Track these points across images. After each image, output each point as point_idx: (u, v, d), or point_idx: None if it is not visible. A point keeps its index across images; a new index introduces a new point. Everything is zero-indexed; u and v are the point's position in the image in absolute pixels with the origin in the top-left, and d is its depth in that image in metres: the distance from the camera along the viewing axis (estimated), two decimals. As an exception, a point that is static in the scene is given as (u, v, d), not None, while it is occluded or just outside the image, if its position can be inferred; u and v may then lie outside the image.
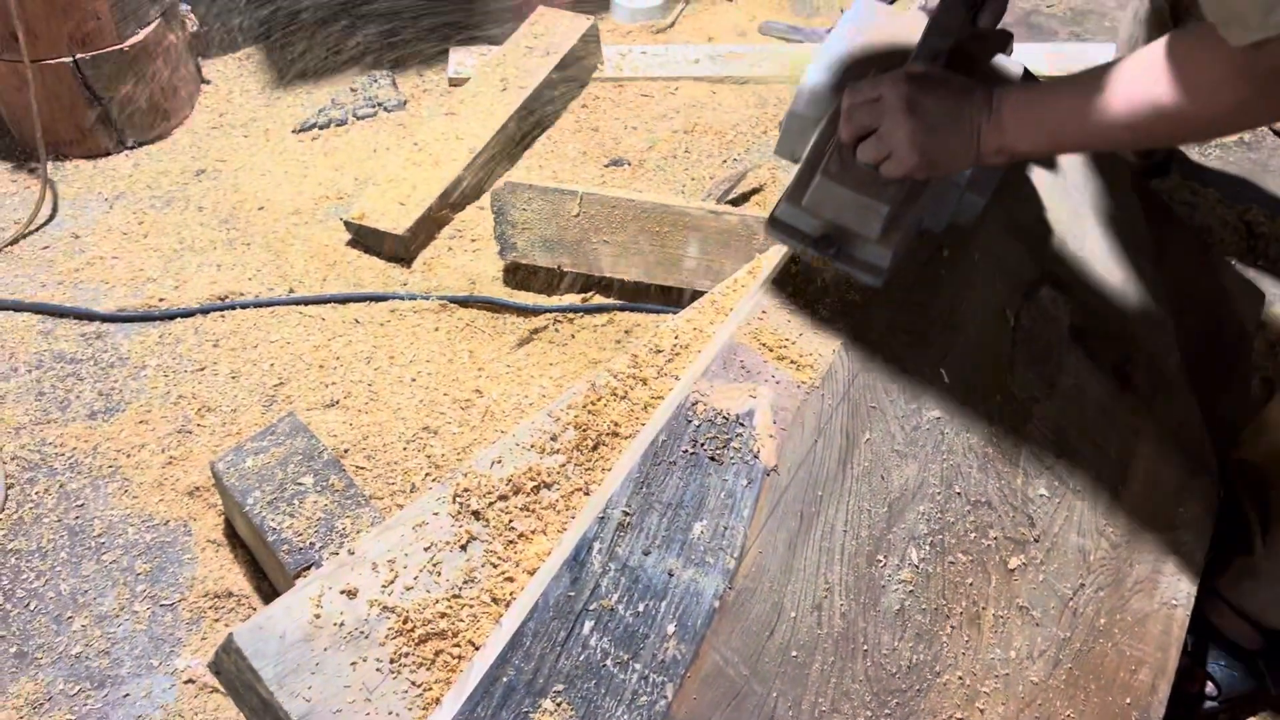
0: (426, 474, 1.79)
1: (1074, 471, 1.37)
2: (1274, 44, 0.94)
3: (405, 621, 1.07)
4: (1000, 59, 1.37)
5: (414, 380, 1.95)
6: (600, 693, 0.99)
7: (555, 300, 2.12)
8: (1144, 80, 1.06)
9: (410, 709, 1.02)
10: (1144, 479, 1.42)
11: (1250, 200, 2.36)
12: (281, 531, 1.51)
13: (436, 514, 1.15)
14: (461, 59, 2.70)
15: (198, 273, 2.16)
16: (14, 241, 2.22)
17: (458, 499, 1.16)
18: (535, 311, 2.08)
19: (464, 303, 2.09)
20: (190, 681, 1.55)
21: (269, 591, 1.64)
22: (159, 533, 1.72)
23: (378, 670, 1.04)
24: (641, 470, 1.11)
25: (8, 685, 1.54)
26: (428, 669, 1.05)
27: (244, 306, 2.08)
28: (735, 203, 2.28)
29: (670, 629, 1.03)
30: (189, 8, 2.61)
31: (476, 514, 1.16)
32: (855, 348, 1.27)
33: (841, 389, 1.24)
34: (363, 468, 1.79)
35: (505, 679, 0.98)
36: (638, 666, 1.01)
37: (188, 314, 2.06)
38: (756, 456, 1.15)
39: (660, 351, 1.35)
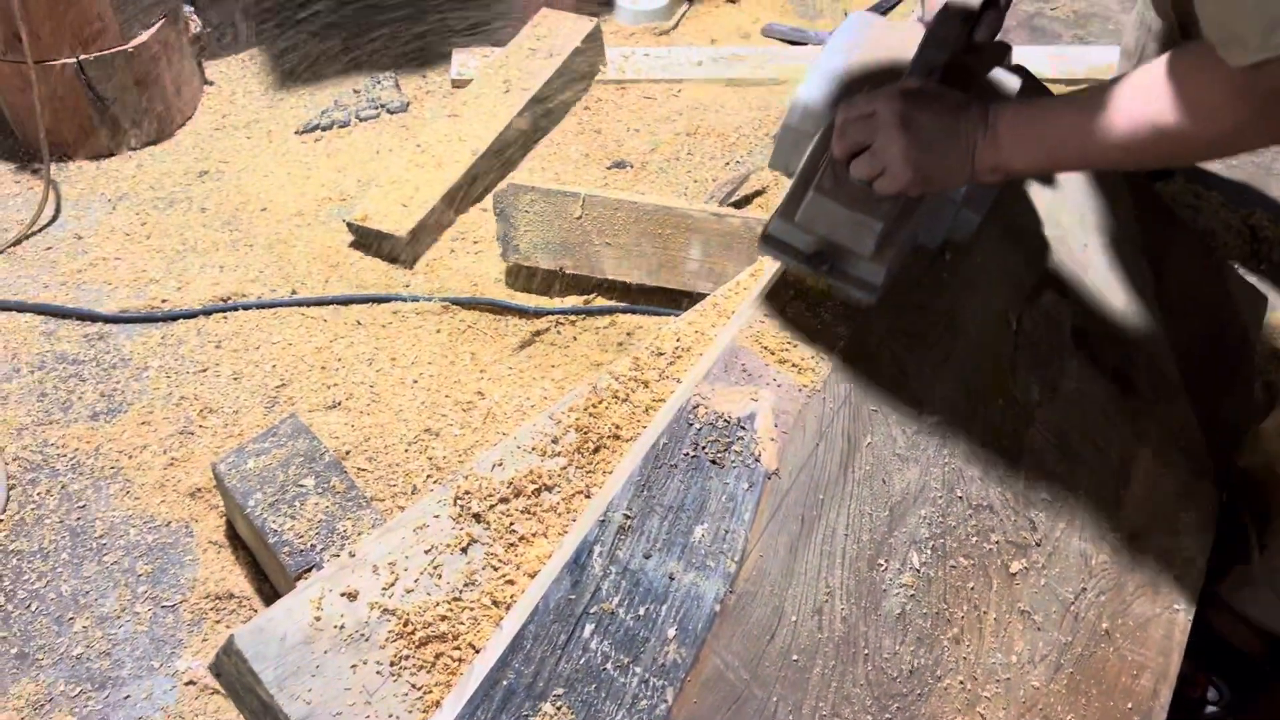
0: (428, 476, 1.79)
1: (1076, 475, 1.36)
2: (1274, 65, 0.94)
3: (406, 624, 1.07)
4: (998, 73, 1.35)
5: (416, 382, 1.95)
6: (600, 696, 0.99)
7: (557, 302, 2.12)
8: (1143, 100, 1.05)
9: (410, 712, 1.02)
10: (1146, 483, 1.42)
11: (1254, 204, 2.36)
12: (283, 533, 1.51)
13: (437, 516, 1.15)
14: (464, 60, 2.71)
15: (200, 274, 2.16)
16: (17, 242, 2.22)
17: (459, 501, 1.16)
18: (537, 313, 2.08)
19: (466, 304, 2.09)
20: (191, 683, 1.55)
21: (270, 593, 1.64)
22: (160, 534, 1.72)
23: (378, 673, 1.04)
24: (642, 473, 1.11)
25: (9, 686, 1.54)
26: (428, 672, 1.05)
27: (246, 308, 2.08)
28: (738, 205, 2.28)
29: (671, 632, 1.03)
30: (192, 9, 2.61)
31: (477, 517, 1.16)
32: (857, 351, 1.27)
33: (843, 393, 1.24)
34: (364, 469, 1.79)
35: (505, 682, 0.97)
36: (638, 670, 1.01)
37: (190, 315, 2.06)
38: (758, 460, 1.15)
39: (662, 354, 1.35)
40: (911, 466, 1.24)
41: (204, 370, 1.97)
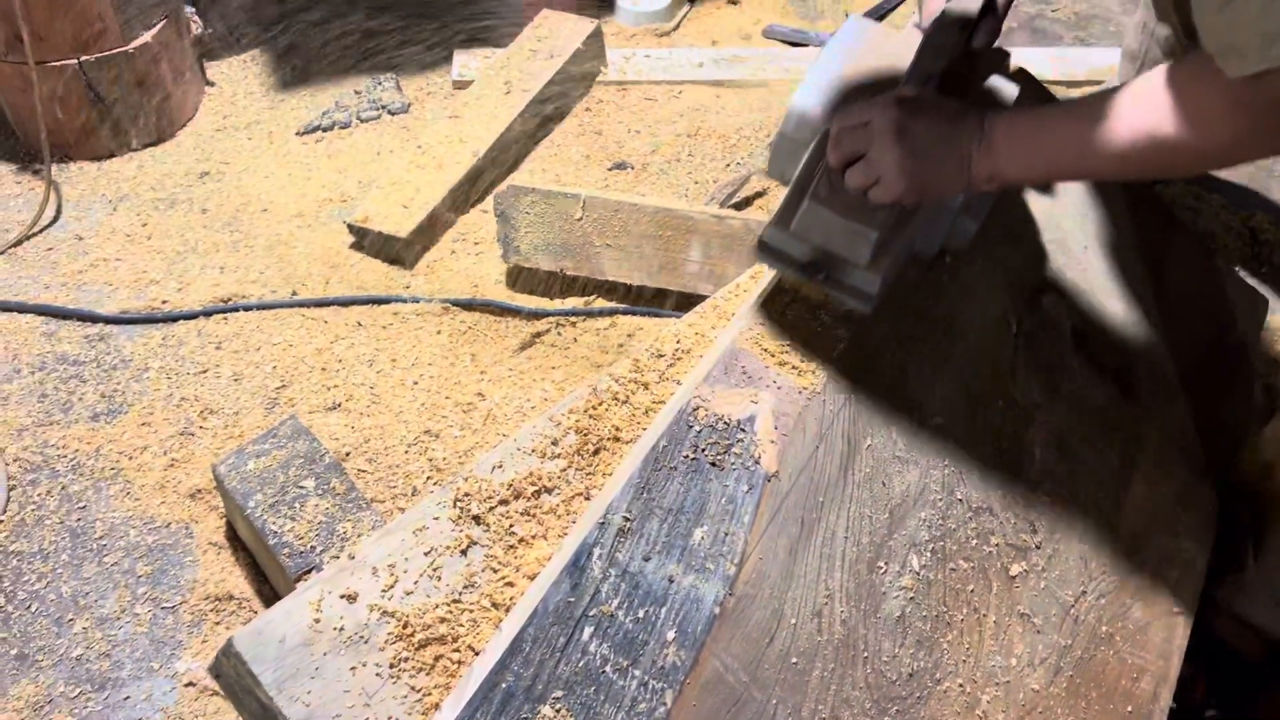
0: (428, 477, 1.79)
1: (1076, 478, 1.36)
2: (1273, 76, 0.93)
3: (405, 626, 1.07)
4: (995, 80, 1.34)
5: (416, 383, 1.95)
6: (599, 699, 0.99)
7: (558, 304, 2.12)
8: (1141, 110, 1.04)
9: (409, 714, 1.02)
10: (1146, 485, 1.42)
11: (1254, 206, 2.35)
12: (283, 535, 1.51)
13: (437, 518, 1.15)
14: (465, 61, 2.71)
15: (201, 275, 2.16)
16: (18, 243, 2.22)
17: (458, 503, 1.16)
18: (538, 315, 2.08)
19: (466, 306, 2.09)
20: (191, 684, 1.55)
21: (270, 594, 1.64)
22: (160, 535, 1.73)
23: (377, 675, 1.04)
24: (642, 476, 1.11)
25: (8, 687, 1.54)
26: (427, 674, 1.05)
27: (247, 309, 2.08)
28: (739, 207, 2.28)
29: (670, 635, 1.03)
30: (193, 10, 2.61)
31: (477, 519, 1.16)
32: (857, 354, 1.27)
33: (843, 395, 1.24)
34: (364, 471, 1.79)
35: (504, 685, 0.97)
36: (637, 673, 1.01)
37: (190, 316, 2.06)
38: (758, 462, 1.15)
39: (662, 356, 1.35)
40: (911, 469, 1.24)
41: (204, 371, 1.97)
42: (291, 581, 1.47)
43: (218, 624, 1.62)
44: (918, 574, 1.19)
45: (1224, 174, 2.46)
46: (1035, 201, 1.54)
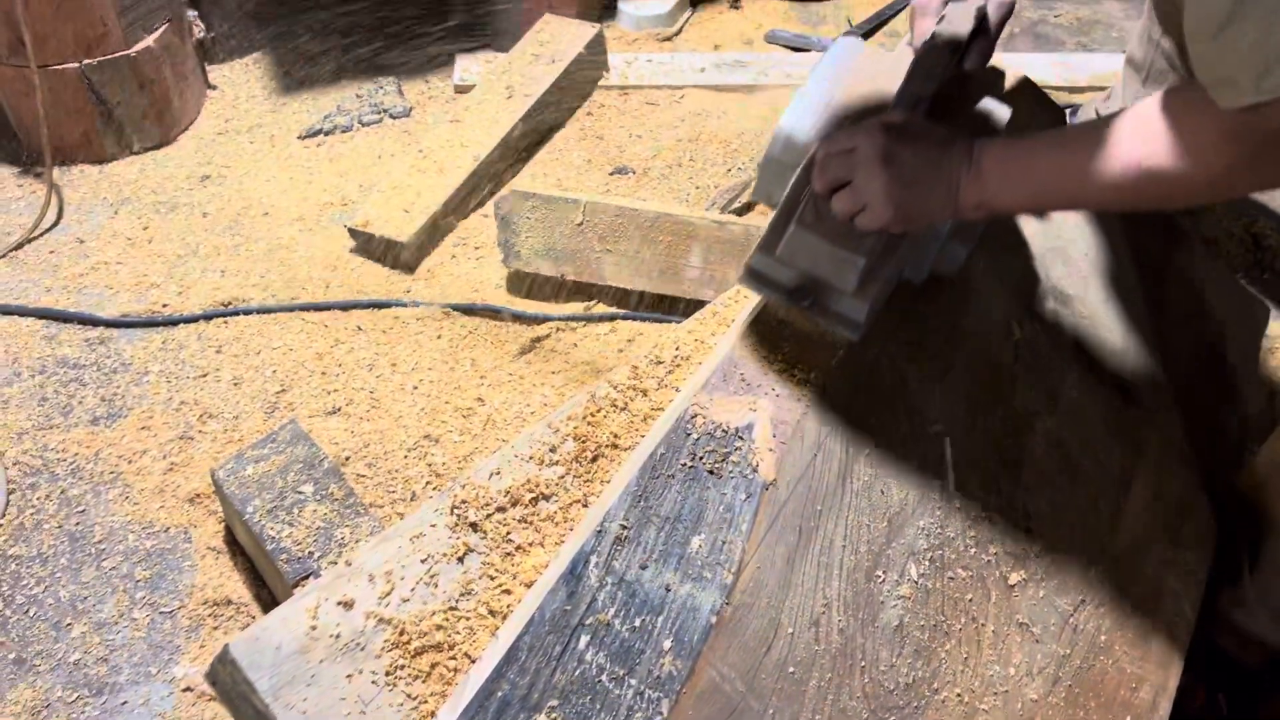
0: (427, 482, 1.79)
1: (1076, 486, 1.36)
2: (1266, 109, 0.92)
3: (401, 634, 1.07)
4: (988, 102, 1.32)
5: (416, 388, 1.95)
6: (595, 709, 0.99)
7: (558, 309, 2.12)
8: (1133, 140, 1.03)
9: (405, 722, 1.02)
10: (1146, 494, 1.42)
11: (1256, 213, 2.35)
12: (281, 540, 1.51)
13: (434, 525, 1.15)
14: (467, 66, 2.71)
15: (201, 278, 2.16)
16: (19, 246, 2.23)
17: (455, 510, 1.16)
18: (538, 320, 2.08)
19: (467, 310, 2.09)
20: (188, 689, 1.55)
21: (268, 600, 1.64)
22: (159, 539, 1.72)
23: (373, 683, 1.04)
24: (640, 483, 1.11)
25: (6, 692, 1.54)
26: (423, 682, 1.05)
27: (247, 313, 2.08)
28: (739, 212, 2.28)
29: (667, 644, 1.03)
30: (195, 13, 2.62)
31: (474, 526, 1.15)
32: (856, 361, 1.26)
33: (842, 403, 1.23)
34: (364, 475, 1.79)
35: (500, 694, 0.97)
36: (633, 682, 1.00)
37: (191, 320, 2.06)
38: (755, 470, 1.15)
39: (661, 363, 1.35)
40: (910, 477, 1.24)
41: (204, 375, 1.97)
42: (289, 587, 1.46)
43: (216, 629, 1.62)
44: (916, 583, 1.18)
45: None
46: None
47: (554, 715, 0.97)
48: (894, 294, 1.28)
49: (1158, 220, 1.74)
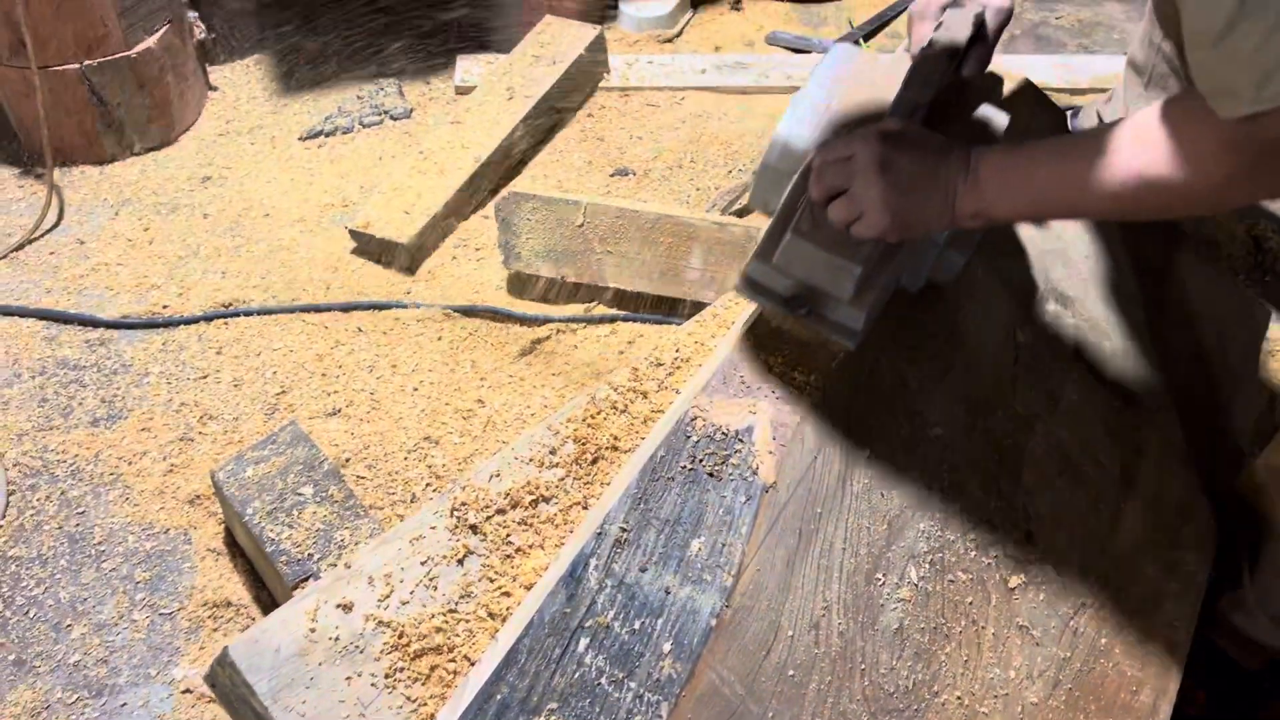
0: (427, 484, 1.79)
1: (1076, 489, 1.36)
2: (1266, 118, 0.91)
3: (401, 636, 1.07)
4: (986, 109, 1.31)
5: (416, 389, 1.94)
6: (595, 712, 0.98)
7: (558, 310, 2.12)
8: (1132, 149, 1.02)
9: (404, 725, 1.02)
10: (1147, 497, 1.42)
11: (1258, 215, 2.35)
12: (280, 542, 1.51)
13: (434, 528, 1.15)
14: (468, 67, 2.71)
15: (202, 280, 2.16)
16: (20, 247, 2.23)
17: (455, 513, 1.16)
18: (538, 321, 2.07)
19: (467, 312, 2.09)
20: (188, 691, 1.55)
21: (268, 601, 1.64)
22: (159, 541, 1.72)
23: (372, 685, 1.04)
24: (640, 486, 1.10)
25: (6, 693, 1.54)
26: (423, 684, 1.05)
27: (248, 314, 2.08)
28: (740, 214, 2.27)
29: (666, 647, 1.03)
30: (196, 15, 2.61)
31: (474, 528, 1.15)
32: (856, 363, 1.26)
33: (842, 405, 1.23)
34: (364, 477, 1.79)
35: (499, 696, 0.97)
36: (633, 685, 1.00)
37: (191, 321, 2.06)
38: (755, 473, 1.14)
39: (661, 365, 1.35)
40: (910, 480, 1.23)
41: (204, 377, 1.97)
42: (289, 589, 1.46)
43: (215, 631, 1.62)
44: (916, 585, 1.18)
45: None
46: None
47: (553, 718, 0.97)
48: (894, 296, 1.28)
49: (1158, 222, 1.74)
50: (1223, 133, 0.96)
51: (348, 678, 1.04)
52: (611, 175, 2.42)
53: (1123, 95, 2.19)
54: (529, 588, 1.10)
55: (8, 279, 2.15)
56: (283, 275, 2.17)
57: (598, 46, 2.62)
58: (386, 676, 1.05)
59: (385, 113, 2.60)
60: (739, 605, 1.07)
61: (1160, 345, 1.57)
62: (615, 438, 1.25)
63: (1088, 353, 1.47)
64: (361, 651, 1.06)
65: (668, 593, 1.06)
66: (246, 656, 1.03)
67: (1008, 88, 1.61)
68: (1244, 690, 1.54)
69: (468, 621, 1.09)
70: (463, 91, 2.65)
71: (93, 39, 2.28)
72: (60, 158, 2.40)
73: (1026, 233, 1.51)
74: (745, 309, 1.37)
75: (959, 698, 1.16)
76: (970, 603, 1.21)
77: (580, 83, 2.60)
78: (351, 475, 1.78)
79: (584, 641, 1.01)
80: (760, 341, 1.25)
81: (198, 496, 1.77)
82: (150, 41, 2.37)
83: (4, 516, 1.74)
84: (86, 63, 2.29)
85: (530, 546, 1.15)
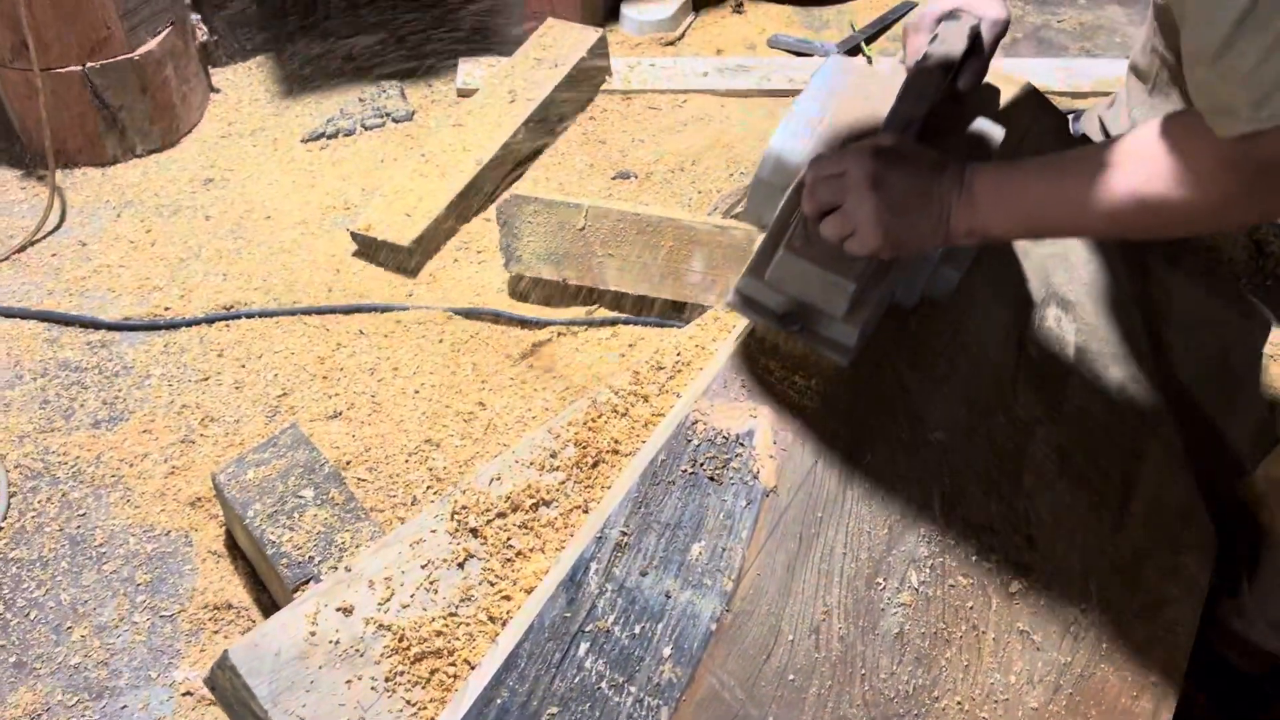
0: (428, 487, 1.79)
1: (1077, 494, 1.36)
2: (1264, 137, 0.91)
3: (401, 640, 1.07)
4: (981, 123, 1.30)
5: (417, 392, 1.94)
6: (595, 716, 0.98)
7: (559, 313, 2.12)
8: (1128, 166, 1.01)
9: (404, 729, 1.02)
10: (1148, 502, 1.41)
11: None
12: (281, 545, 1.51)
13: (434, 531, 1.15)
14: (470, 70, 2.71)
15: (204, 282, 2.16)
16: (22, 248, 2.23)
17: (456, 516, 1.16)
18: (539, 324, 2.07)
19: (468, 315, 2.09)
20: (188, 694, 1.55)
21: (269, 604, 1.64)
22: (160, 543, 1.72)
23: (372, 689, 1.04)
24: (640, 490, 1.10)
25: (6, 695, 1.54)
26: (423, 688, 1.05)
27: (249, 316, 2.08)
28: (741, 217, 2.27)
29: (666, 651, 1.03)
30: (199, 17, 2.62)
31: (474, 531, 1.15)
32: (857, 367, 1.26)
33: (843, 409, 1.23)
34: (364, 480, 1.79)
35: (499, 701, 0.97)
36: (633, 689, 1.00)
37: (193, 323, 2.07)
38: (756, 477, 1.14)
39: (662, 368, 1.34)
40: (911, 484, 1.23)
41: (206, 379, 1.97)
42: (289, 592, 1.46)
43: (216, 633, 1.62)
44: (917, 590, 1.18)
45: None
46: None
47: (553, 722, 0.97)
48: (893, 304, 1.28)
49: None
50: (1221, 151, 0.95)
51: (348, 681, 1.04)
52: (613, 178, 2.43)
53: (1125, 100, 2.19)
54: (529, 591, 1.10)
55: (10, 280, 2.16)
56: (284, 277, 2.18)
57: (599, 49, 2.62)
58: (387, 680, 1.05)
59: (387, 115, 2.61)
60: (739, 610, 1.07)
61: (1161, 350, 1.57)
62: (616, 441, 1.25)
63: (1088, 357, 1.47)
64: (362, 655, 1.05)
65: (668, 597, 1.06)
66: (247, 659, 1.03)
67: (1010, 91, 1.62)
68: (1244, 692, 1.54)
69: (468, 625, 1.09)
70: (464, 94, 2.65)
71: (95, 41, 2.28)
72: (62, 159, 2.40)
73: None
74: (746, 313, 1.37)
75: (959, 703, 1.15)
76: (971, 607, 1.21)
77: (582, 86, 2.60)
78: (352, 478, 1.78)
79: (584, 646, 1.01)
80: (761, 346, 1.25)
81: (199, 499, 1.77)
82: (153, 43, 2.38)
83: (5, 518, 1.74)
84: (89, 65, 2.30)
85: (531, 550, 1.15)
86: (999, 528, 1.27)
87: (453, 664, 1.07)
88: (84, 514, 1.75)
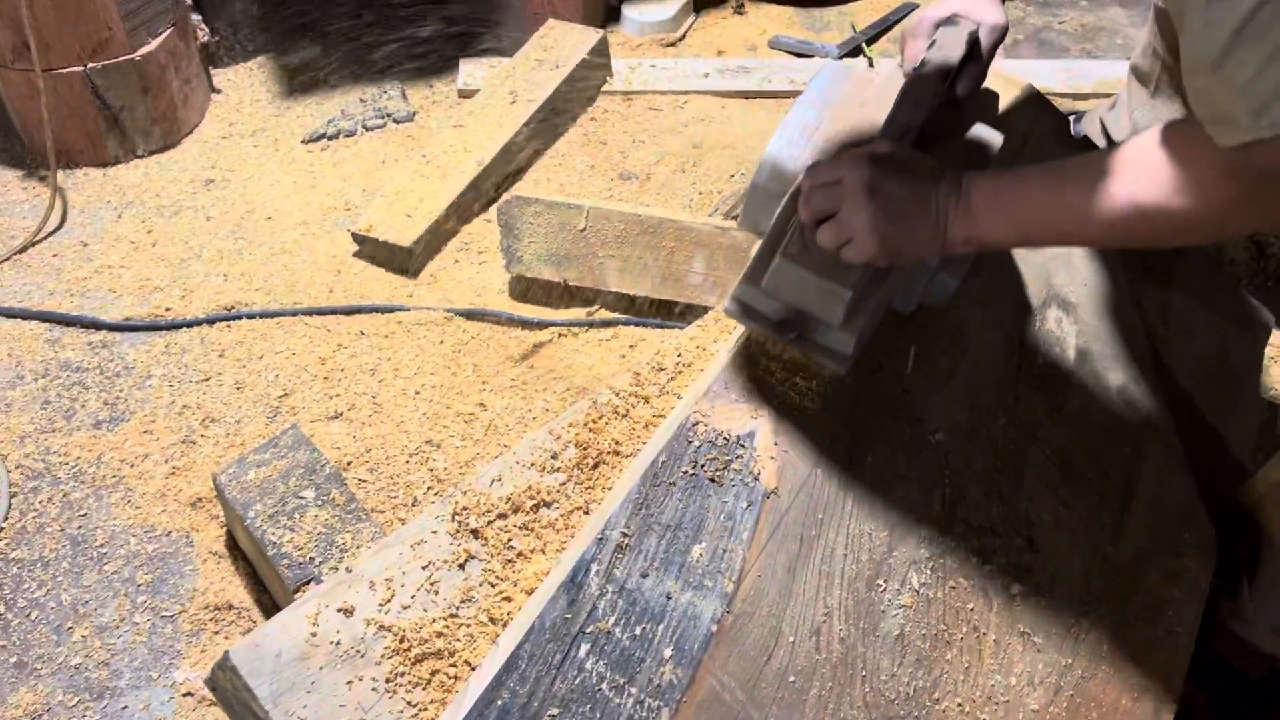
0: (429, 488, 1.79)
1: (1078, 495, 1.36)
2: (1264, 146, 0.90)
3: (402, 641, 1.07)
4: (979, 129, 1.29)
5: (418, 393, 1.94)
6: (595, 717, 0.98)
7: (560, 314, 2.12)
8: (1128, 176, 1.00)
9: (405, 730, 1.02)
10: (1149, 503, 1.41)
11: (1261, 220, 2.35)
12: (282, 546, 1.51)
13: (435, 532, 1.15)
14: (471, 71, 2.71)
15: (204, 282, 2.17)
16: (23, 249, 2.23)
17: (456, 517, 1.16)
18: (540, 325, 2.08)
19: (469, 316, 2.09)
20: (189, 694, 1.55)
21: (270, 604, 1.64)
22: (161, 544, 1.72)
23: (373, 690, 1.04)
24: (641, 491, 1.10)
25: (7, 695, 1.54)
26: (423, 689, 1.05)
27: (250, 317, 2.08)
28: (738, 224, 2.27)
29: (667, 653, 1.03)
30: (200, 18, 2.62)
31: (475, 532, 1.15)
32: (859, 368, 1.26)
33: (844, 410, 1.23)
34: (365, 480, 1.79)
35: (500, 702, 0.97)
36: (634, 691, 1.00)
37: (194, 324, 2.07)
38: (757, 478, 1.14)
39: (663, 369, 1.35)
40: (912, 486, 1.24)
41: (207, 379, 1.97)
42: (290, 593, 1.46)
43: (217, 634, 1.62)
44: (918, 592, 1.18)
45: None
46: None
47: (554, 724, 0.97)
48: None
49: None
50: (1221, 160, 0.95)
51: (349, 682, 1.04)
52: (614, 179, 2.43)
53: (1126, 102, 2.19)
54: (530, 593, 1.10)
55: (11, 281, 2.16)
56: (285, 278, 2.18)
57: (601, 50, 2.62)
58: (387, 681, 1.05)
59: (388, 116, 2.61)
60: (740, 611, 1.07)
61: (1161, 351, 1.57)
62: (617, 442, 1.25)
63: (1089, 359, 1.47)
64: (362, 656, 1.06)
65: (669, 598, 1.06)
66: (248, 660, 1.03)
67: (1011, 93, 1.62)
68: (1244, 693, 1.54)
69: (469, 626, 1.09)
70: (465, 95, 2.65)
71: (97, 42, 2.28)
72: (64, 160, 2.40)
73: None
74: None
75: (960, 704, 1.15)
76: (971, 609, 1.21)
77: (583, 86, 2.60)
78: (353, 479, 1.78)
79: (585, 647, 1.01)
80: (762, 347, 1.25)
81: (199, 499, 1.77)
82: (154, 44, 2.38)
83: (6, 519, 1.74)
84: (90, 65, 2.30)
85: (531, 551, 1.15)
86: (1000, 529, 1.27)
87: (453, 665, 1.07)
88: (85, 514, 1.76)
